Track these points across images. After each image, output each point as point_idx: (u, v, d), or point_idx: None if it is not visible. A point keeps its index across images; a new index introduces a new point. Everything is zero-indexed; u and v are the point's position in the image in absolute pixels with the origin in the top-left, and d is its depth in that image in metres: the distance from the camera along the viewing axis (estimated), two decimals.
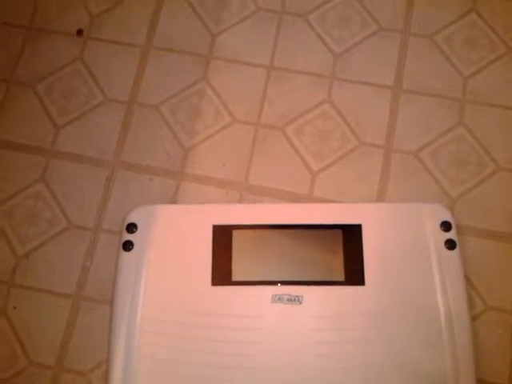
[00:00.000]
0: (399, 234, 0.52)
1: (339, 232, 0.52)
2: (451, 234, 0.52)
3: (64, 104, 0.61)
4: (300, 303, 0.50)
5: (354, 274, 0.51)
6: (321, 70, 0.60)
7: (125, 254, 0.52)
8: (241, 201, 0.57)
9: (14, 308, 0.54)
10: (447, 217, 0.52)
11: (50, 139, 0.60)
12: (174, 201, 0.57)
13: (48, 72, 0.62)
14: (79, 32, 0.64)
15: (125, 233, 0.53)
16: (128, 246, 0.52)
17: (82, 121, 0.60)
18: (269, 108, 0.59)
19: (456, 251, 0.51)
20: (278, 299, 0.50)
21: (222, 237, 0.52)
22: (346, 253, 0.51)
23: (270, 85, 0.60)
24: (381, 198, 0.55)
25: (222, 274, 0.51)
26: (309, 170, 0.57)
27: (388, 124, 0.58)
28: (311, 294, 0.50)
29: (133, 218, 0.53)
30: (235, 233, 0.52)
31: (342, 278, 0.51)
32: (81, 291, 0.54)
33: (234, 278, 0.51)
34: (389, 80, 0.60)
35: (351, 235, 0.52)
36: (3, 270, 0.56)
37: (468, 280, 0.52)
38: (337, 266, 0.51)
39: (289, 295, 0.50)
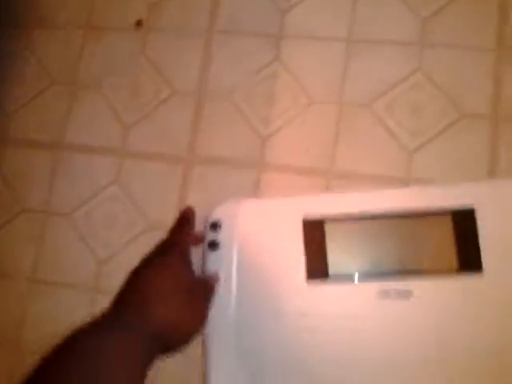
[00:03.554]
0: None
1: (448, 217, 0.46)
2: None
3: (131, 102, 0.58)
4: (409, 298, 0.44)
5: (469, 262, 0.44)
6: (408, 37, 0.54)
7: (211, 254, 0.48)
8: (328, 188, 0.51)
9: None
10: None
11: (120, 139, 0.57)
12: (255, 194, 0.53)
13: (112, 70, 0.60)
14: (138, 23, 0.61)
15: (209, 232, 0.49)
16: (214, 245, 0.48)
17: (151, 117, 0.57)
18: (351, 84, 0.54)
19: None
20: (384, 295, 0.45)
21: (314, 230, 0.47)
22: (457, 239, 0.45)
23: (350, 59, 0.54)
24: (492, 174, 0.48)
25: (317, 271, 0.47)
26: (404, 149, 0.51)
27: (492, 91, 0.51)
28: (421, 287, 0.45)
29: (216, 216, 0.49)
30: (328, 225, 0.47)
31: (455, 266, 0.45)
32: None
33: (332, 274, 0.46)
34: (489, 42, 0.52)
35: (463, 219, 0.45)
36: (86, 277, 0.54)
37: None
38: (448, 255, 0.45)
39: (396, 290, 0.45)
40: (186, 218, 0.50)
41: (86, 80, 0.60)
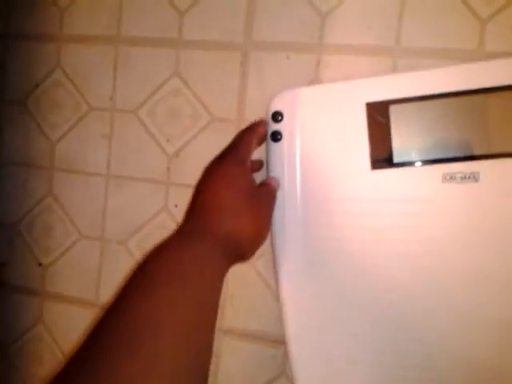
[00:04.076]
0: None
1: None
2: None
3: None
4: (476, 181, 0.44)
5: None
6: None
7: (274, 145, 0.49)
8: (395, 68, 0.49)
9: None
10: None
11: (175, 29, 0.55)
12: (316, 79, 0.51)
13: None
14: None
15: (271, 122, 0.49)
16: (276, 136, 0.49)
17: (204, 2, 0.55)
18: None
19: None
20: (449, 178, 0.44)
21: (378, 115, 0.46)
22: None
23: None
24: None
25: (382, 157, 0.46)
26: (476, 16, 0.46)
27: None
28: (489, 169, 0.43)
29: (277, 105, 0.49)
30: (392, 108, 0.46)
31: None
32: None
33: (396, 159, 0.46)
34: None
35: None
36: (158, 171, 0.57)
37: None
38: None
39: (462, 173, 0.44)
40: (255, 124, 0.49)
41: None
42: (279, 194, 0.48)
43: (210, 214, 0.41)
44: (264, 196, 0.46)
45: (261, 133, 0.49)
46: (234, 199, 0.42)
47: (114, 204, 0.59)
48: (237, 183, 0.43)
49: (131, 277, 0.35)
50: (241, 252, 0.42)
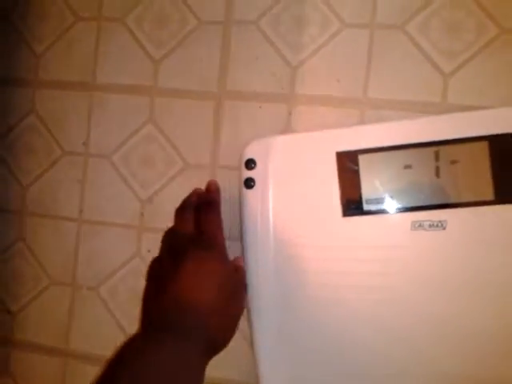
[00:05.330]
0: None
1: (485, 144, 0.45)
2: None
3: (157, 34, 0.57)
4: (444, 229, 0.45)
5: (506, 191, 0.44)
6: None
7: (248, 192, 0.50)
8: (362, 118, 0.51)
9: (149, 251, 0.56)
10: None
11: (150, 76, 0.56)
12: (288, 128, 0.52)
13: (135, 2, 0.58)
14: None
15: (244, 170, 0.50)
16: (249, 183, 0.50)
17: (178, 52, 0.56)
18: (382, 5, 0.50)
19: None
20: (418, 226, 0.46)
21: (348, 164, 0.48)
22: (494, 167, 0.44)
23: None
24: None
25: (352, 204, 0.47)
26: (439, 71, 0.49)
27: None
28: (456, 218, 0.45)
29: (250, 153, 0.50)
30: (361, 157, 0.47)
31: (491, 196, 0.45)
32: None
33: (366, 207, 0.47)
34: None
35: (500, 146, 0.44)
36: (132, 216, 0.57)
37: None
38: (484, 184, 0.45)
39: (430, 221, 0.45)
40: (210, 201, 0.49)
41: (110, 13, 0.59)
42: (252, 240, 0.49)
43: (188, 310, 0.38)
44: (240, 283, 0.46)
45: (217, 202, 0.50)
46: (212, 293, 0.39)
47: (86, 249, 0.59)
48: (216, 275, 0.41)
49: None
50: (219, 345, 0.41)
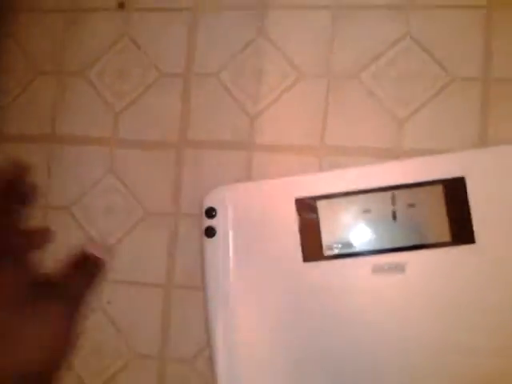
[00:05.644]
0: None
1: (439, 187, 0.46)
2: None
3: (119, 87, 0.58)
4: (403, 271, 0.45)
5: (462, 233, 0.45)
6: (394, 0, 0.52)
7: (208, 241, 0.49)
8: (320, 165, 0.51)
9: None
10: None
11: (110, 128, 0.57)
12: (248, 175, 0.53)
13: (96, 55, 0.59)
14: (120, 5, 0.59)
15: (205, 219, 0.50)
16: (210, 231, 0.49)
17: (139, 103, 0.57)
18: (337, 55, 0.52)
19: None
20: (378, 269, 0.46)
21: (307, 210, 0.48)
22: (449, 210, 0.45)
23: (336, 27, 0.53)
24: (483, 141, 0.48)
25: (313, 249, 0.47)
26: (393, 117, 0.50)
27: (484, 51, 0.49)
28: (414, 260, 0.45)
29: (210, 201, 0.50)
30: (320, 203, 0.48)
31: (447, 238, 0.45)
32: (171, 279, 0.53)
33: (326, 252, 0.47)
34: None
35: (454, 189, 0.45)
36: None
37: None
38: (440, 226, 0.45)
39: (389, 264, 0.46)
40: None
41: (71, 67, 0.59)
42: (214, 289, 0.48)
43: None
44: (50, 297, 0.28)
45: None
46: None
47: None
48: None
49: None
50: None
